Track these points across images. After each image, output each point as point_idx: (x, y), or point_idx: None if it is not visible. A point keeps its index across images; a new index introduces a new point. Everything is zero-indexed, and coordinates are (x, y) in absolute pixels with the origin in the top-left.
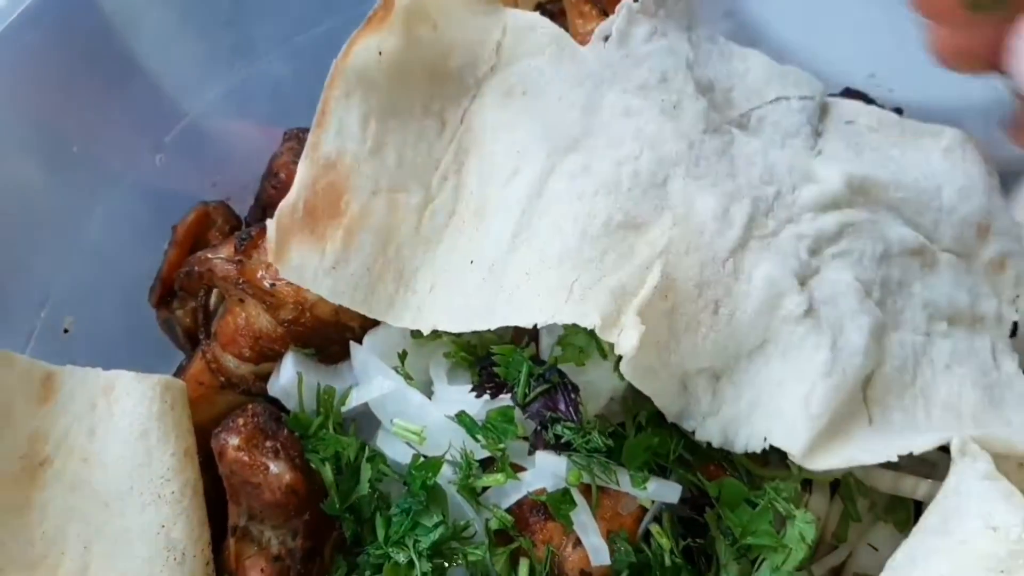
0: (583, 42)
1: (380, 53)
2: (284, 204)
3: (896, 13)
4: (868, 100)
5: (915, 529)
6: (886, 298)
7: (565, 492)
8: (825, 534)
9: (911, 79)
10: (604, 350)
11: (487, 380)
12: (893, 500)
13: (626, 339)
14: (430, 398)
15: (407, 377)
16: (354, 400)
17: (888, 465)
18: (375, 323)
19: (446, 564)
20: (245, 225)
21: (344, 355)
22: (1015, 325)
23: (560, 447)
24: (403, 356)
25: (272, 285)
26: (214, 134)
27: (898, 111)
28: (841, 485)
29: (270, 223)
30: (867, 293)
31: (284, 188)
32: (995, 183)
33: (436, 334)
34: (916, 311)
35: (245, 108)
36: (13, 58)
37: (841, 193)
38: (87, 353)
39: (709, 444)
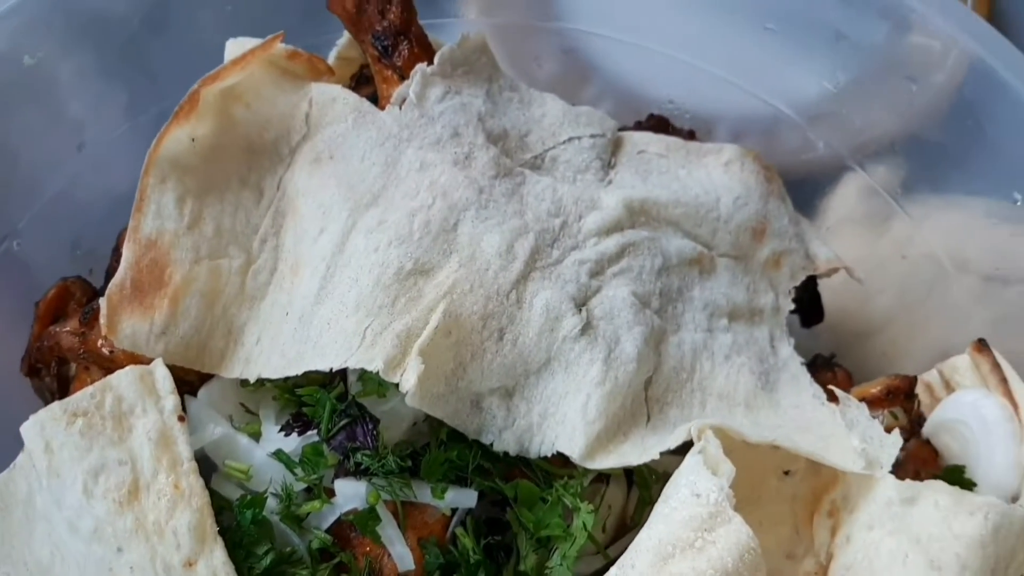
0: (386, 106)
1: (193, 140)
2: (113, 283)
3: (688, 48)
4: (666, 124)
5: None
6: (666, 306)
7: (370, 510)
8: (625, 518)
9: (704, 102)
10: None
11: (295, 419)
12: None
13: (405, 380)
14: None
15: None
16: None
17: (678, 451)
18: (212, 377)
19: None
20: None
21: None
22: (819, 313)
23: (361, 472)
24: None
25: (111, 352)
26: (75, 208)
27: (691, 134)
28: (635, 474)
29: (102, 301)
30: (644, 304)
31: None
32: (775, 189)
33: (263, 382)
34: (696, 312)
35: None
36: None
37: (621, 216)
38: None
39: (506, 453)
